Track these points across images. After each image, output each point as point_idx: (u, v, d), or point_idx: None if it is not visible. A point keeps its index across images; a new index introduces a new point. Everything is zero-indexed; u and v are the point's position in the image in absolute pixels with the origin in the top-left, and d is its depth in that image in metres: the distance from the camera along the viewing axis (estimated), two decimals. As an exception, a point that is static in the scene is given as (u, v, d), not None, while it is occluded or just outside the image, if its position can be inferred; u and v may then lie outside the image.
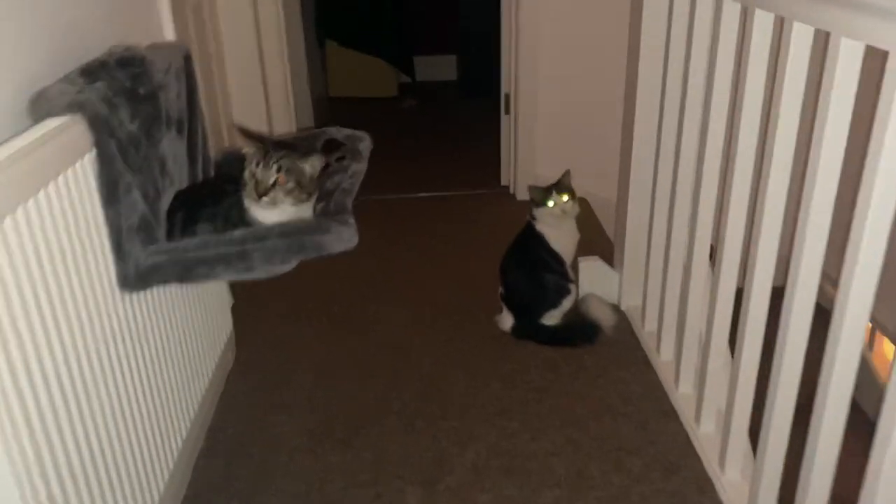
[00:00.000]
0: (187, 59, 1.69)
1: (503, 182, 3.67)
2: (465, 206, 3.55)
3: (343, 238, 1.31)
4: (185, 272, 1.30)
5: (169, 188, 1.54)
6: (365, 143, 1.77)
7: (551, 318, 2.42)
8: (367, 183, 3.73)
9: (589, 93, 3.28)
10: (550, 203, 2.38)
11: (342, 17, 5.03)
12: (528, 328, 2.41)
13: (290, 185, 1.48)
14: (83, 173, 1.22)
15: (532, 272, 2.39)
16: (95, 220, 1.26)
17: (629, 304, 2.54)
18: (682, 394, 2.09)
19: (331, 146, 1.79)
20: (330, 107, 5.01)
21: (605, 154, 3.26)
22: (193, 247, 1.30)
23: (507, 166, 3.61)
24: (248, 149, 1.49)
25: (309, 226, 1.31)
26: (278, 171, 1.47)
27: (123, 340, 1.36)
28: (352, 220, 1.35)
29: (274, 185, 1.46)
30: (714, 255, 1.79)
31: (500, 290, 2.47)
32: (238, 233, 1.32)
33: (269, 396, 2.18)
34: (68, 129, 1.18)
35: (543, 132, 3.39)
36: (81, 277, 1.20)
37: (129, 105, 1.35)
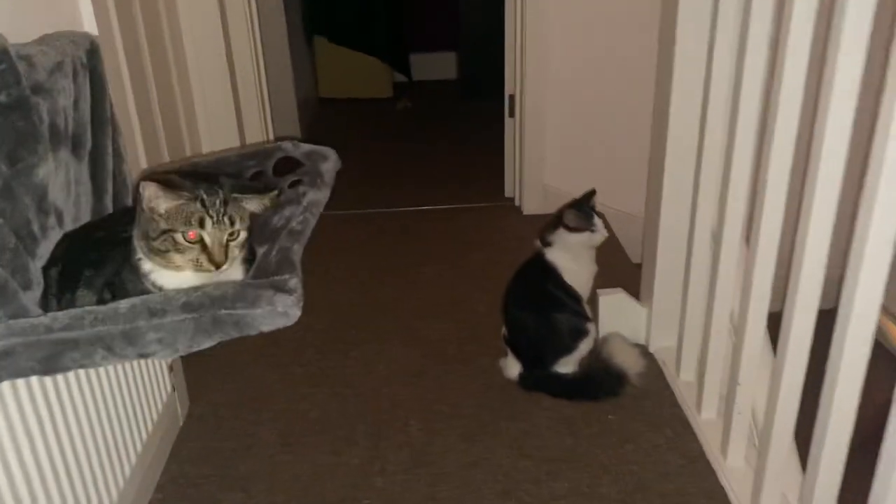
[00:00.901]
0: (92, 52, 1.28)
1: (507, 193, 3.25)
2: (465, 221, 3.14)
3: (277, 312, 0.90)
4: (49, 361, 0.89)
5: (55, 229, 1.13)
6: (329, 164, 1.36)
7: (566, 365, 2.01)
8: (352, 194, 3.33)
9: (604, 94, 2.87)
10: (596, 231, 1.97)
11: (331, 11, 4.62)
12: (538, 378, 2.01)
13: (243, 236, 1.10)
14: None
15: (541, 311, 1.98)
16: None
17: (660, 345, 2.13)
18: (732, 468, 1.68)
19: (286, 166, 1.38)
20: (319, 109, 4.61)
21: (623, 162, 2.87)
22: (61, 325, 0.89)
23: (511, 176, 3.20)
24: (167, 200, 1.06)
25: (227, 295, 0.91)
26: (231, 222, 1.08)
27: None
28: (294, 284, 0.94)
29: (226, 243, 1.08)
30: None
31: (504, 331, 2.06)
32: (125, 305, 0.91)
33: (223, 467, 1.78)
34: None
35: (552, 138, 2.97)
36: None
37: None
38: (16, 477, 1.06)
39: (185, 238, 1.05)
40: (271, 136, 3.01)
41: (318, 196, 1.24)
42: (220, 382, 2.09)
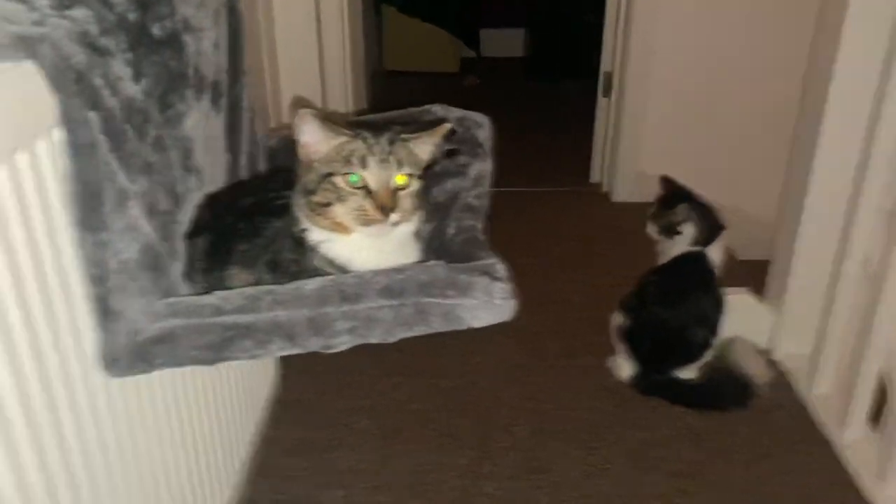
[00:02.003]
0: (234, -9, 1.12)
1: (593, 178, 3.06)
2: (546, 206, 2.95)
3: (494, 304, 0.74)
4: (215, 349, 0.74)
5: (194, 192, 0.97)
6: (484, 131, 1.19)
7: (687, 372, 1.83)
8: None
9: (715, 79, 2.65)
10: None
11: (404, -21, 4.43)
12: (656, 381, 1.83)
13: (415, 186, 0.93)
14: (33, 171, 0.67)
15: (684, 319, 1.79)
16: (58, 257, 0.71)
17: (789, 352, 1.94)
18: (891, 497, 1.50)
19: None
20: (383, 81, 4.43)
21: (728, 153, 2.66)
22: (233, 307, 0.73)
23: (600, 159, 3.01)
24: (325, 135, 0.90)
25: (435, 280, 0.74)
26: (399, 164, 0.90)
27: (115, 426, 0.82)
28: (502, 271, 0.78)
29: (395, 192, 0.91)
30: None
31: (621, 321, 1.87)
32: (311, 286, 0.75)
33: (319, 459, 1.64)
34: (7, 88, 0.62)
35: (652, 122, 2.77)
36: (34, 354, 0.66)
37: (132, 52, 0.78)
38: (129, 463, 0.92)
39: (346, 182, 0.89)
40: (352, 107, 2.85)
41: (484, 167, 1.08)
42: (309, 365, 1.94)
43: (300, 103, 0.93)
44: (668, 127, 2.77)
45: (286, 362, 1.87)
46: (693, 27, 2.62)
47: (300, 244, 0.91)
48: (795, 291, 1.87)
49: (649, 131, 2.79)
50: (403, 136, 0.92)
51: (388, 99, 4.33)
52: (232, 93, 1.10)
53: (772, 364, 1.92)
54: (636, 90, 2.73)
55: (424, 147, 0.94)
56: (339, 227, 0.90)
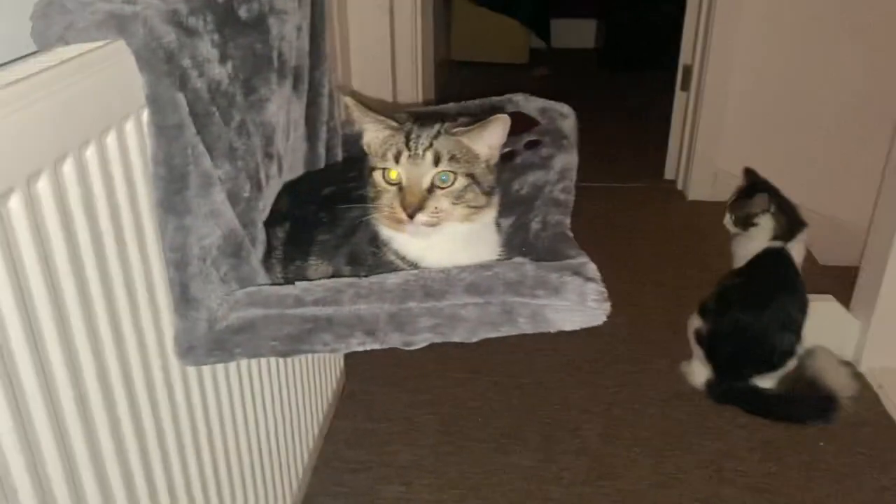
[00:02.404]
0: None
1: (668, 175, 2.96)
2: (618, 202, 2.86)
3: (587, 307, 0.69)
4: (294, 340, 0.71)
5: (275, 178, 0.95)
6: (569, 122, 1.14)
7: (767, 380, 1.75)
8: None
9: (802, 76, 2.52)
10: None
11: (473, -33, 4.38)
12: (733, 389, 1.75)
13: (460, 183, 0.86)
14: (120, 152, 0.65)
15: (769, 324, 1.70)
16: (140, 239, 0.69)
17: (876, 365, 1.84)
18: None
19: (519, 124, 1.16)
20: (451, 71, 4.39)
21: (812, 154, 2.54)
22: (314, 298, 0.71)
23: (676, 156, 2.91)
24: (371, 126, 0.87)
25: (525, 278, 0.69)
26: (435, 161, 0.85)
27: (191, 416, 0.81)
28: (594, 271, 0.73)
29: (431, 189, 0.85)
30: None
31: (700, 324, 1.79)
32: (394, 280, 0.72)
33: (381, 453, 1.61)
34: (98, 67, 0.60)
35: (733, 118, 2.66)
36: (113, 339, 0.65)
37: (219, 33, 0.76)
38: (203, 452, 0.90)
39: (383, 177, 0.85)
40: (421, 97, 2.81)
41: (569, 160, 1.03)
42: (372, 357, 1.92)
43: (345, 91, 0.88)
44: (749, 124, 2.66)
45: (350, 353, 1.85)
46: (780, 18, 2.50)
47: (376, 238, 0.88)
48: (886, 301, 1.77)
49: (729, 128, 2.68)
50: (456, 129, 0.86)
51: (455, 90, 4.31)
52: (312, 78, 1.07)
53: (856, 377, 1.81)
54: (716, 84, 2.63)
55: (480, 140, 0.88)
56: (392, 224, 0.86)
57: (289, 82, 0.99)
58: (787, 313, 1.70)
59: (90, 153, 0.62)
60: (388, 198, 0.84)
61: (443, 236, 0.85)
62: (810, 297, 1.86)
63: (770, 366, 1.73)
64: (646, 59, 4.29)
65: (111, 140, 0.63)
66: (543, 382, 1.85)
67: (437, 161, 0.84)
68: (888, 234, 1.72)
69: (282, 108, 0.96)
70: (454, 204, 0.85)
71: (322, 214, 0.91)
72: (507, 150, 1.13)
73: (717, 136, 2.69)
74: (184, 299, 0.71)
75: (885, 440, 1.65)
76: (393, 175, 0.84)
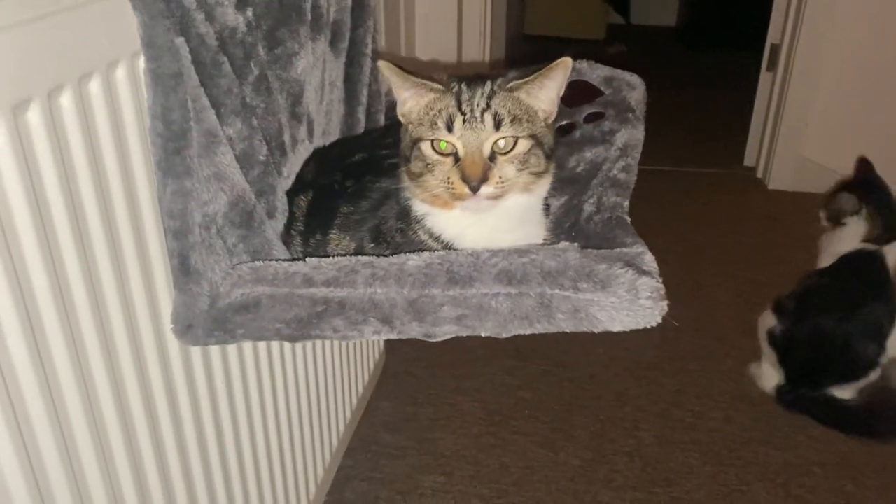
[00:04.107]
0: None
1: (748, 161, 2.77)
2: (694, 188, 2.70)
3: (639, 304, 0.59)
4: (302, 325, 0.63)
5: (304, 142, 0.87)
6: (637, 94, 1.02)
7: (846, 391, 1.59)
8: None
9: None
10: None
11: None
12: (806, 398, 1.60)
13: (523, 146, 0.75)
14: (109, 103, 0.57)
15: (855, 331, 1.54)
16: (133, 201, 0.62)
17: (971, 382, 1.65)
18: None
19: (580, 94, 1.05)
20: (523, 46, 4.25)
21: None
22: (325, 278, 0.62)
23: (757, 141, 2.72)
24: (411, 92, 0.77)
25: (566, 267, 0.59)
26: (496, 123, 0.74)
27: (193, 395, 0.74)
28: (651, 262, 0.62)
29: (493, 157, 0.74)
30: None
31: (774, 324, 1.64)
32: (415, 262, 0.62)
33: (421, 439, 1.54)
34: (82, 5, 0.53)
35: (823, 103, 2.46)
36: (104, 314, 0.58)
37: (235, -27, 0.67)
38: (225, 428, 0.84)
39: (434, 148, 0.74)
40: (487, 69, 2.70)
41: (634, 135, 0.91)
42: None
43: (385, 57, 0.77)
44: (840, 110, 2.45)
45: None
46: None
47: (406, 213, 0.78)
48: None
49: (818, 113, 2.48)
50: (511, 84, 0.76)
51: (526, 64, 4.16)
52: (355, 36, 0.98)
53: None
54: (807, 65, 2.43)
55: (541, 93, 0.77)
56: (438, 201, 0.76)
57: (325, 38, 0.90)
58: (874, 322, 1.54)
59: (66, 100, 0.54)
60: (443, 171, 0.74)
61: (492, 212, 0.75)
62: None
63: (850, 376, 1.57)
64: (730, 38, 4.05)
65: (95, 87, 0.56)
66: (598, 375, 1.74)
67: (498, 124, 0.74)
68: None
69: (315, 65, 0.87)
70: (519, 171, 0.75)
71: (348, 184, 0.82)
72: (565, 122, 1.02)
73: (804, 121, 2.49)
74: (183, 271, 0.64)
75: (977, 465, 1.49)
76: (443, 146, 0.74)
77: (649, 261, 0.62)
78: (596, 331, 0.61)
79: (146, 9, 0.56)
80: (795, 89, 2.47)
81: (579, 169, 0.90)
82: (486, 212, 0.75)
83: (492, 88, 0.75)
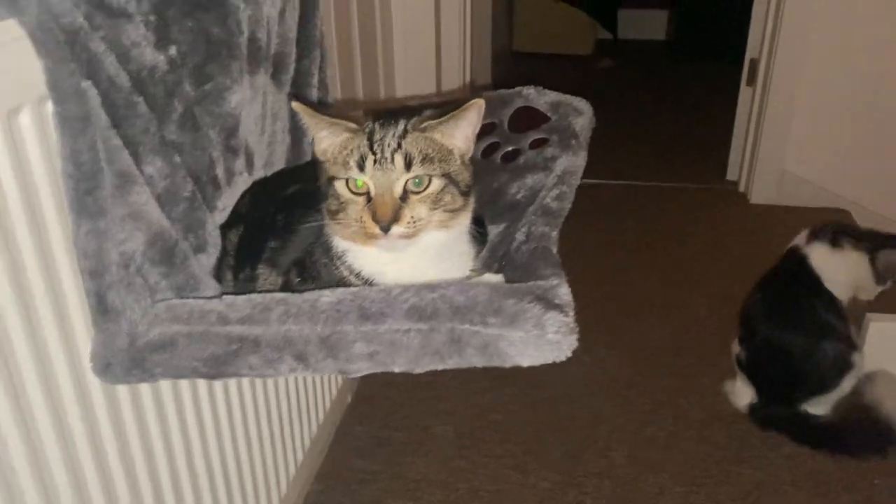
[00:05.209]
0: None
1: (730, 176, 2.77)
2: (675, 204, 2.70)
3: (546, 340, 0.59)
4: (217, 363, 0.63)
5: (242, 174, 0.87)
6: (583, 120, 1.02)
7: (819, 405, 1.59)
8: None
9: (880, 73, 2.30)
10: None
11: (538, -45, 4.24)
12: (779, 415, 1.60)
13: (436, 186, 0.76)
14: (13, 148, 0.58)
15: (804, 335, 1.55)
16: (44, 245, 0.62)
17: (946, 397, 1.64)
18: None
19: (527, 120, 1.05)
20: (511, 63, 4.26)
21: (891, 154, 2.32)
22: (239, 315, 0.62)
23: (739, 155, 2.72)
24: (326, 131, 0.77)
25: (475, 303, 0.59)
26: (407, 164, 0.75)
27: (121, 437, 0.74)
28: (566, 296, 0.62)
29: (405, 196, 0.75)
30: None
31: (738, 349, 1.65)
32: (328, 299, 0.63)
33: (393, 464, 1.53)
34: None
35: (802, 116, 2.46)
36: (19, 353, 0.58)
37: (156, 14, 0.68)
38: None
39: (347, 187, 0.75)
40: (469, 90, 2.71)
41: (574, 162, 0.91)
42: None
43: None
44: (819, 122, 2.45)
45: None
46: (857, 7, 2.29)
47: (329, 249, 0.78)
48: (962, 325, 1.58)
49: (798, 126, 2.48)
50: (424, 124, 0.76)
51: (512, 83, 4.18)
52: (300, 67, 0.99)
53: (925, 408, 1.62)
54: (785, 79, 2.44)
55: (455, 132, 0.77)
56: (357, 237, 0.76)
57: (265, 70, 0.91)
58: (817, 317, 1.54)
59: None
60: (356, 210, 0.74)
61: (409, 250, 0.75)
62: (873, 316, 1.69)
63: (821, 385, 1.56)
64: (718, 52, 4.05)
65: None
66: (573, 395, 1.74)
67: (408, 164, 0.74)
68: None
69: (254, 98, 0.88)
70: (432, 210, 0.76)
71: (279, 218, 0.82)
72: (511, 148, 1.03)
73: (785, 135, 2.50)
74: (101, 310, 0.64)
75: (950, 482, 1.47)
76: (359, 184, 0.74)
77: (563, 294, 0.62)
78: (506, 366, 0.61)
79: (50, 54, 0.57)
80: (775, 103, 2.47)
81: (519, 196, 0.90)
82: (401, 251, 0.75)
83: (404, 128, 0.76)
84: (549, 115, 1.05)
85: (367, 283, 0.76)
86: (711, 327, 1.93)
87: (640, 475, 1.51)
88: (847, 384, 1.57)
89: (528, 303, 0.59)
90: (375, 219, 0.73)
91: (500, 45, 4.02)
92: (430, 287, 0.62)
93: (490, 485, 1.49)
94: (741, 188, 2.69)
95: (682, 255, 2.33)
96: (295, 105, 0.73)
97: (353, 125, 0.75)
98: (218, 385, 0.96)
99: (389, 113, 0.78)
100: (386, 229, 0.73)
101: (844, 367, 1.56)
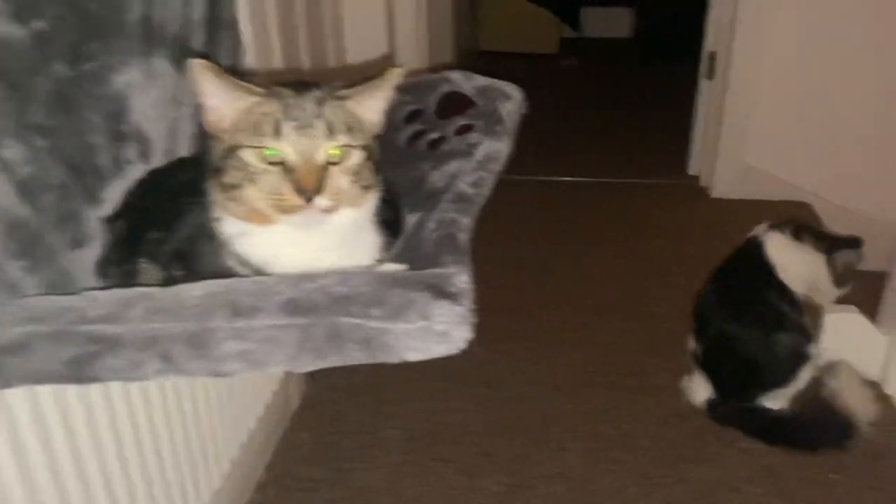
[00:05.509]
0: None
1: (692, 171, 2.74)
2: (637, 199, 2.66)
3: (433, 332, 0.53)
4: (77, 365, 0.57)
5: (135, 164, 0.81)
6: (511, 105, 0.97)
7: (776, 399, 1.55)
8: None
9: (839, 64, 2.27)
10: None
11: (502, -47, 4.20)
12: (735, 410, 1.55)
13: (357, 158, 0.71)
14: None
15: (757, 327, 1.51)
16: None
17: (905, 388, 1.61)
18: None
19: (453, 106, 1.00)
20: (477, 62, 4.22)
21: (849, 150, 2.30)
22: (99, 313, 0.56)
23: (700, 149, 2.69)
24: (228, 94, 0.70)
25: (356, 294, 0.54)
26: (330, 131, 0.69)
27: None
28: (462, 284, 0.57)
29: (325, 168, 0.69)
30: None
31: (694, 345, 1.61)
32: (197, 291, 0.57)
33: (338, 470, 1.47)
34: None
35: (763, 109, 2.43)
36: None
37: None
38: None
39: (257, 157, 0.68)
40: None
41: (495, 147, 0.86)
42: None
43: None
44: (780, 115, 2.42)
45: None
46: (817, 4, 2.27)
47: (214, 235, 0.72)
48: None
49: (758, 119, 2.45)
50: (341, 92, 0.71)
51: (479, 80, 4.13)
52: (206, 52, 0.93)
53: (881, 400, 1.59)
54: (744, 72, 2.40)
55: (371, 103, 0.72)
56: (258, 216, 0.69)
57: (164, 53, 0.85)
58: (771, 308, 1.50)
59: None
60: (270, 181, 0.68)
61: (320, 229, 0.69)
62: (836, 308, 1.65)
63: (778, 378, 1.52)
64: (683, 49, 4.03)
65: None
66: (530, 395, 1.68)
67: (331, 131, 0.69)
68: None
69: (150, 82, 0.82)
70: (352, 184, 0.70)
71: (166, 207, 0.76)
72: (437, 135, 0.98)
73: (745, 128, 2.46)
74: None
75: (909, 475, 1.44)
76: (273, 153, 0.68)
77: (459, 282, 0.57)
78: (393, 361, 0.55)
79: None
80: (734, 96, 2.44)
81: (440, 184, 0.85)
82: (315, 227, 0.69)
83: (320, 95, 0.70)
84: (476, 100, 0.99)
85: (258, 272, 0.69)
86: (671, 323, 1.88)
87: (594, 476, 1.46)
88: (804, 376, 1.53)
89: (415, 292, 0.54)
90: (299, 188, 0.67)
91: (467, 44, 3.98)
92: (309, 277, 0.56)
93: (438, 490, 1.43)
94: (702, 183, 2.66)
95: (642, 251, 2.28)
96: (196, 64, 0.66)
97: (259, 89, 0.70)
98: (135, 387, 0.90)
99: (297, 82, 0.72)
100: (310, 199, 0.67)
101: (801, 358, 1.52)
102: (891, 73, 2.14)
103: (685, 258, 2.21)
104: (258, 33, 1.27)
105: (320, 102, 0.69)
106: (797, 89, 2.36)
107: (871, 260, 1.88)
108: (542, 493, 1.42)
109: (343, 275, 0.56)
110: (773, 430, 1.52)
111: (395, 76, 0.72)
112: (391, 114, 0.94)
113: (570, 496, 1.41)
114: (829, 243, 1.57)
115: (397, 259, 0.73)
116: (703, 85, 2.62)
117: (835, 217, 2.24)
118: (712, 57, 2.55)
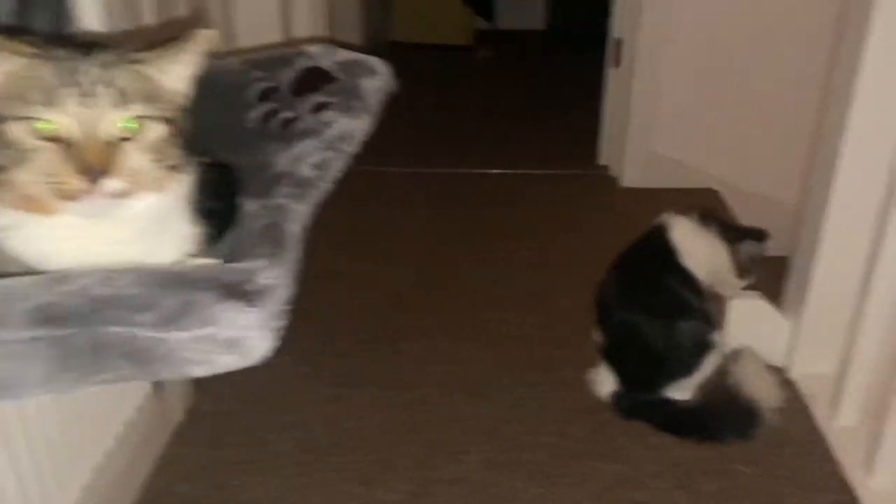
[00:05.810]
0: None
1: (601, 161, 2.71)
2: (547, 190, 2.60)
3: (219, 341, 0.43)
4: None
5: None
6: (375, 81, 0.88)
7: (681, 390, 1.51)
8: (417, 150, 2.84)
9: (740, 49, 2.27)
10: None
11: (412, -57, 4.11)
12: (641, 402, 1.51)
13: (156, 132, 0.60)
14: None
15: (658, 315, 1.47)
16: None
17: (807, 371, 1.60)
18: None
19: (311, 82, 0.91)
20: (388, 53, 4.11)
21: (754, 133, 2.29)
22: None
23: (608, 139, 2.66)
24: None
25: (124, 294, 0.43)
26: (120, 101, 0.58)
27: None
28: (265, 282, 0.48)
29: (115, 144, 0.59)
30: None
31: (597, 336, 1.56)
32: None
33: (222, 487, 1.37)
34: None
35: (668, 96, 2.41)
36: None
37: None
38: None
39: (28, 131, 0.57)
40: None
41: (349, 126, 0.77)
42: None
43: None
44: (686, 102, 2.41)
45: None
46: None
47: None
48: (818, 298, 1.53)
49: (665, 107, 2.43)
50: (138, 55, 0.60)
51: (392, 71, 4.04)
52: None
53: (786, 385, 1.58)
54: (649, 60, 2.38)
55: (176, 68, 0.62)
56: (33, 204, 0.58)
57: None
58: (672, 295, 1.46)
59: None
60: (45, 161, 0.57)
61: (117, 216, 0.58)
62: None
63: (682, 368, 1.48)
64: (596, 40, 4.03)
65: None
66: (431, 397, 1.60)
67: (121, 100, 0.58)
68: (816, 221, 1.49)
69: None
70: (153, 163, 0.60)
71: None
72: (291, 114, 0.88)
73: (652, 116, 2.44)
74: None
75: (810, 461, 1.42)
76: (48, 126, 0.57)
77: (261, 279, 0.47)
78: (168, 377, 0.46)
79: None
80: (640, 84, 2.41)
81: (285, 168, 0.75)
82: (104, 215, 0.58)
83: (107, 58, 0.59)
84: (337, 75, 0.90)
85: (30, 271, 0.58)
86: (578, 315, 1.83)
87: (495, 478, 1.39)
88: (708, 365, 1.50)
89: (197, 293, 0.44)
90: (82, 168, 0.56)
91: (377, 35, 3.88)
92: (64, 278, 0.46)
93: (334, 502, 1.34)
94: (612, 172, 2.63)
95: (551, 243, 2.24)
96: None
97: (29, 49, 0.58)
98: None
99: (82, 43, 0.61)
100: (95, 181, 0.56)
101: (704, 347, 1.49)
102: (795, 60, 2.14)
103: (592, 249, 2.16)
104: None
105: (108, 66, 0.59)
106: (703, 75, 2.35)
107: (775, 245, 1.87)
108: (443, 499, 1.35)
109: (108, 273, 0.46)
110: (679, 421, 1.48)
111: (203, 40, 0.62)
112: (241, 92, 0.85)
113: (470, 501, 1.34)
114: (735, 233, 1.55)
115: (221, 254, 0.63)
116: (611, 73, 2.58)
117: (742, 202, 2.24)
118: (618, 44, 2.52)
